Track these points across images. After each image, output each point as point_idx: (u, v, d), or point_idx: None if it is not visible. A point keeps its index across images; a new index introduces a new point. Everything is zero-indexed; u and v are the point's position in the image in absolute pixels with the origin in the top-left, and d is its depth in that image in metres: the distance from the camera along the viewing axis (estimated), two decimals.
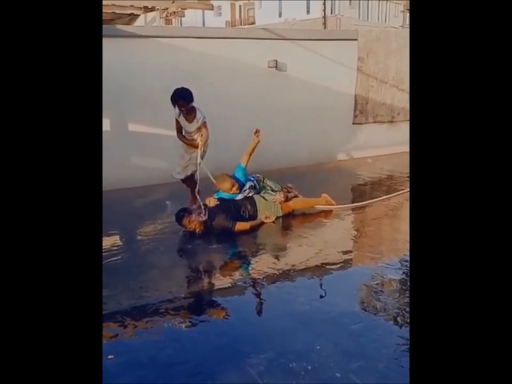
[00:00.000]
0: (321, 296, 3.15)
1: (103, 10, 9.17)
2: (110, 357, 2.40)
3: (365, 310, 2.91)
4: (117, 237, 4.35)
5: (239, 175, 4.59)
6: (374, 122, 7.63)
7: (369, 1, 26.27)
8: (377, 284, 3.23)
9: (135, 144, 5.79)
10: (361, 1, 26.09)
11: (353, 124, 7.46)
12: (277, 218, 4.58)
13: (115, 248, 3.95)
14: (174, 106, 4.30)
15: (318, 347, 2.46)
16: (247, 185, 4.56)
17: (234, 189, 4.43)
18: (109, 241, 4.00)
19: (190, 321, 2.79)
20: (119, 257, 3.72)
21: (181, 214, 4.14)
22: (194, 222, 4.05)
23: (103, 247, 3.83)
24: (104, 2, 8.99)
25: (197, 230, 4.08)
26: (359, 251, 4.03)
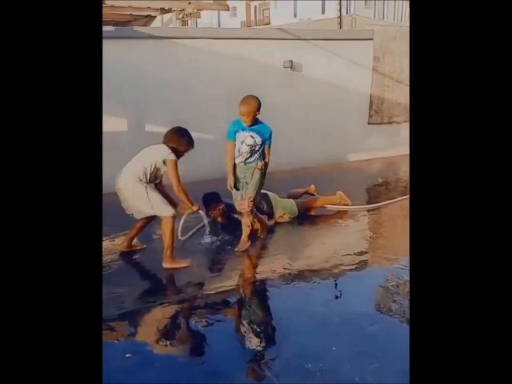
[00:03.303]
0: (337, 297, 3.15)
1: (120, 12, 9.27)
2: (127, 355, 2.43)
3: (381, 312, 2.90)
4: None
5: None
6: (390, 122, 7.57)
7: (385, 1, 26.05)
8: (392, 285, 3.22)
9: (150, 144, 5.82)
10: (376, 1, 25.89)
11: (369, 123, 7.42)
12: (293, 218, 4.58)
13: (129, 249, 3.98)
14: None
15: (334, 348, 2.46)
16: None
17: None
18: (120, 242, 4.02)
19: (206, 321, 2.81)
20: (137, 256, 3.76)
21: (209, 198, 4.19)
22: (219, 210, 4.15)
23: (117, 248, 3.87)
24: (121, 4, 9.09)
25: (219, 219, 4.13)
26: (375, 252, 4.01)
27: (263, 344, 2.58)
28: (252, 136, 3.67)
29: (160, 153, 3.46)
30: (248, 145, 3.68)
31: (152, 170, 3.46)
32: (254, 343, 2.60)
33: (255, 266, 3.72)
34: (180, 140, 3.52)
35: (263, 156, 3.77)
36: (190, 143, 3.57)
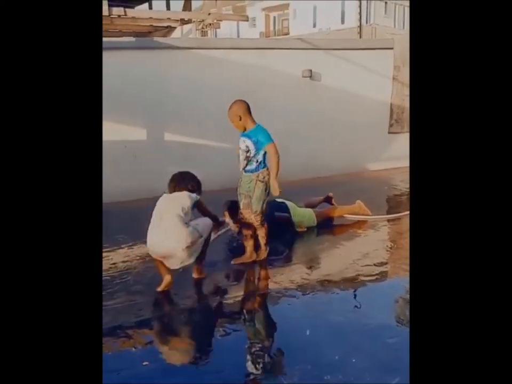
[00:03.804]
0: (356, 308, 3.10)
1: (141, 23, 9.42)
2: (145, 363, 2.42)
3: (401, 324, 2.84)
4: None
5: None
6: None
7: (405, 10, 25.96)
8: None
9: (171, 152, 5.88)
10: (396, 10, 25.82)
11: (389, 133, 7.35)
12: (312, 227, 4.54)
13: (148, 256, 4.00)
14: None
15: (354, 360, 2.41)
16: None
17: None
18: (138, 250, 4.04)
19: (223, 330, 2.79)
20: (151, 264, 3.77)
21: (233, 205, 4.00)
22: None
23: (135, 256, 3.89)
24: (141, 15, 9.24)
25: (234, 228, 4.09)
26: (395, 263, 3.94)
27: (278, 356, 2.55)
28: (243, 140, 3.59)
29: (183, 200, 3.25)
30: (241, 150, 3.58)
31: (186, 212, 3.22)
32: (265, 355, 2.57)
33: (271, 276, 3.70)
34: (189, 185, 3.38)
35: (263, 164, 3.63)
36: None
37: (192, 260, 3.24)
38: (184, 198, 3.24)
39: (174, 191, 3.32)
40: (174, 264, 3.19)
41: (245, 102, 3.60)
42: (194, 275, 3.43)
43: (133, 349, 2.59)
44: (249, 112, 3.61)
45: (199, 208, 3.36)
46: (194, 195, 3.30)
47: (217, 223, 3.68)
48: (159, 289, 3.20)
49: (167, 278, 3.21)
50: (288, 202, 4.48)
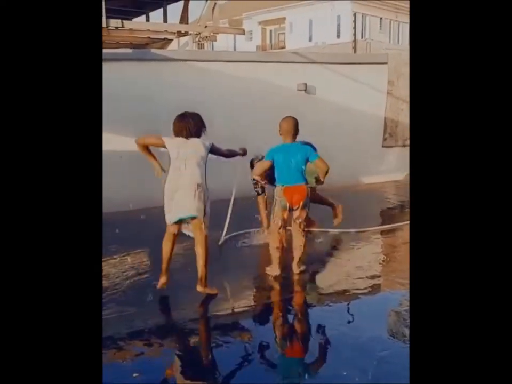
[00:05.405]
0: (349, 322, 3.09)
1: (138, 35, 9.46)
2: (135, 375, 2.40)
3: (393, 337, 2.83)
4: (145, 255, 4.38)
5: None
6: (404, 145, 7.55)
7: (400, 25, 26.28)
8: (405, 310, 3.15)
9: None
10: (391, 25, 26.14)
11: (383, 146, 7.41)
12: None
13: (144, 265, 3.99)
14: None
15: (345, 373, 2.40)
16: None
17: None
18: (137, 259, 4.04)
19: (214, 342, 2.78)
20: (147, 275, 3.75)
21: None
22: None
23: (132, 265, 3.87)
24: (139, 27, 9.28)
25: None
26: (388, 276, 3.95)
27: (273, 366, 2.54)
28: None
29: (198, 146, 3.33)
30: None
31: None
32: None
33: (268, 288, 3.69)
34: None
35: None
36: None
37: (200, 211, 3.19)
38: (201, 145, 3.31)
39: (189, 134, 3.37)
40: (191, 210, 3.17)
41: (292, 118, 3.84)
42: (199, 289, 3.30)
43: (124, 361, 2.57)
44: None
45: (214, 152, 3.40)
46: (207, 143, 3.35)
47: (240, 154, 3.74)
48: (158, 286, 3.28)
49: (162, 279, 3.28)
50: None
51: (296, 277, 3.68)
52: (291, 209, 3.64)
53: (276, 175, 3.70)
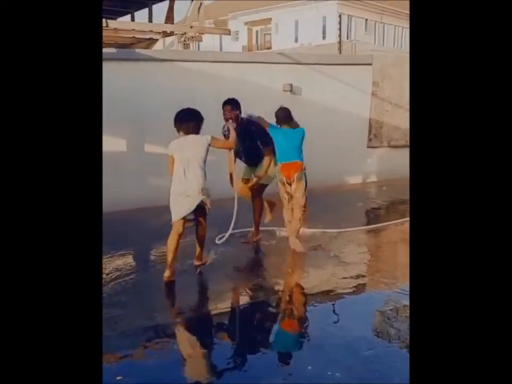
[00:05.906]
0: (335, 322, 3.10)
1: (123, 35, 9.40)
2: (118, 378, 2.38)
3: (378, 336, 2.85)
4: (131, 256, 4.35)
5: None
6: (389, 146, 7.61)
7: (385, 27, 26.49)
8: (390, 310, 3.18)
9: (151, 164, 5.84)
10: (376, 27, 26.34)
11: (368, 147, 7.46)
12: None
13: (128, 267, 3.95)
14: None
15: (329, 373, 2.41)
16: None
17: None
18: (122, 261, 4.00)
19: (202, 343, 2.77)
20: (131, 276, 3.72)
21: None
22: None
23: (117, 266, 3.84)
24: (124, 26, 9.23)
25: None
26: (373, 276, 3.97)
27: (259, 368, 2.54)
28: None
29: (200, 143, 3.62)
30: None
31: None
32: (250, 366, 2.55)
33: (251, 289, 3.68)
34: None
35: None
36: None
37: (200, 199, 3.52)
38: (201, 145, 3.60)
39: (187, 131, 3.69)
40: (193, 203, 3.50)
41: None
42: (196, 262, 3.76)
43: (107, 364, 2.54)
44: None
45: (214, 145, 3.71)
46: (205, 138, 3.65)
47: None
48: (165, 280, 3.46)
49: (167, 273, 3.49)
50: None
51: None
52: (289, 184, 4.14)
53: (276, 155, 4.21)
